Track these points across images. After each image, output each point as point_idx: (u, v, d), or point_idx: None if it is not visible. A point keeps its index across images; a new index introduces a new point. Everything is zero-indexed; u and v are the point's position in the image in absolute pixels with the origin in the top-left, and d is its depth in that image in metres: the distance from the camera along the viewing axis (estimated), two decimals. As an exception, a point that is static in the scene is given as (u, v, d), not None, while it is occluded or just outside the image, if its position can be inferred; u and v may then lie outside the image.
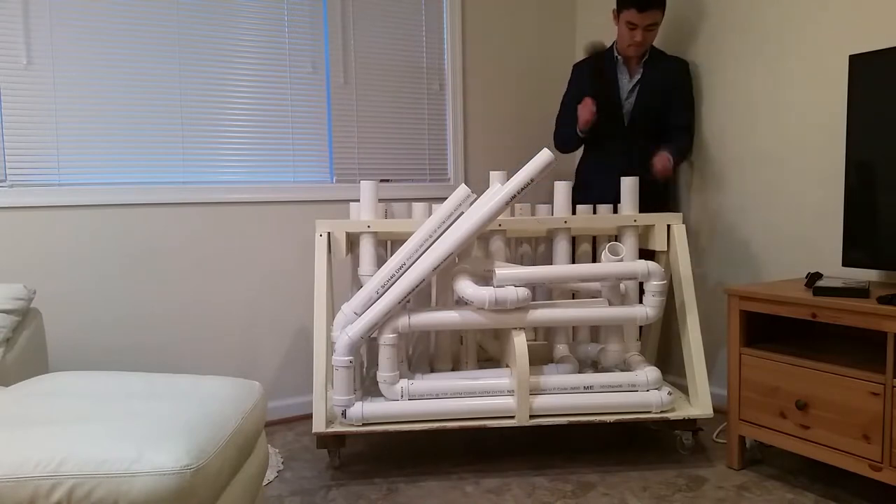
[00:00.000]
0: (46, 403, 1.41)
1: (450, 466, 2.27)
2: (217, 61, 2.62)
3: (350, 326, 2.10)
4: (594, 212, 2.46)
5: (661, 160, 2.57)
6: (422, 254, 2.12)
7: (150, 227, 2.54)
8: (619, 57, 2.76)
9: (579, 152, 2.99)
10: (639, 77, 2.74)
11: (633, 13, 2.59)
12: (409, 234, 2.28)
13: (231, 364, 2.71)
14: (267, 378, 2.79)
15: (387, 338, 2.11)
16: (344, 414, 2.11)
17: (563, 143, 2.88)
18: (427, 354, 2.41)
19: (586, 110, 2.62)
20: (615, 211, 2.47)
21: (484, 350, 2.49)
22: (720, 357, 2.80)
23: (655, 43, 2.84)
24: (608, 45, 2.84)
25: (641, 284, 2.22)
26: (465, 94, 3.14)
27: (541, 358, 2.47)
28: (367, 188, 2.29)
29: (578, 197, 2.81)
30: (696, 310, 2.31)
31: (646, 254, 2.45)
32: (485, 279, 2.21)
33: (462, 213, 2.15)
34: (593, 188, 2.81)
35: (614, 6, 2.68)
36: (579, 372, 2.31)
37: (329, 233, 2.29)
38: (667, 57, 2.77)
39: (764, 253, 2.59)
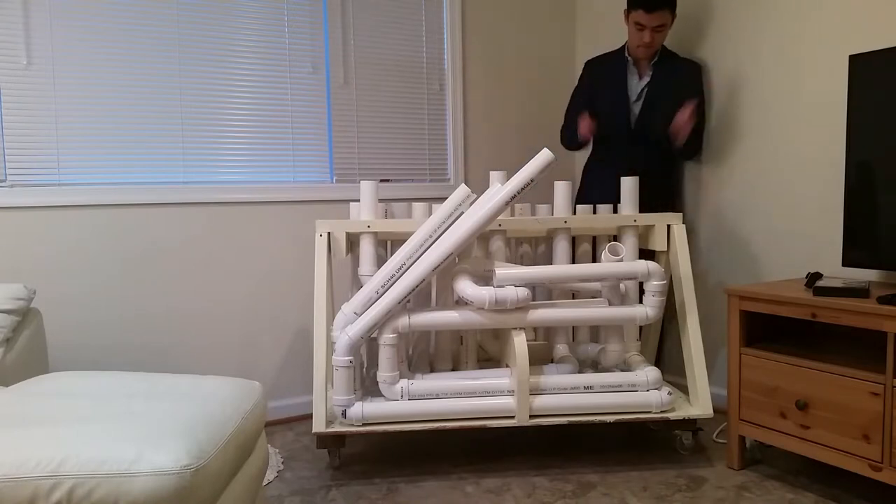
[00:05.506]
0: (46, 403, 1.40)
1: (450, 466, 2.27)
2: (217, 61, 2.62)
3: (350, 326, 2.10)
4: (594, 212, 2.46)
5: (682, 117, 2.51)
6: (422, 254, 2.12)
7: (150, 227, 2.54)
8: (629, 58, 2.73)
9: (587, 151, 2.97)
10: (648, 79, 2.70)
11: (641, 14, 2.56)
12: (409, 234, 2.28)
13: (231, 364, 2.71)
14: (267, 378, 2.78)
15: (387, 338, 2.11)
16: (344, 414, 2.11)
17: (568, 141, 2.88)
18: (427, 354, 2.41)
19: (585, 128, 2.62)
20: (615, 211, 2.47)
21: (484, 350, 2.49)
22: (720, 357, 2.80)
23: (668, 43, 2.82)
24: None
25: (641, 284, 2.22)
26: (465, 94, 3.14)
27: (541, 358, 2.47)
28: (367, 188, 2.29)
29: (581, 197, 2.85)
30: (696, 310, 2.31)
31: (646, 254, 2.45)
32: (485, 279, 2.21)
33: (462, 213, 2.15)
34: (594, 188, 2.82)
35: (625, 6, 2.65)
36: (579, 372, 2.31)
37: (329, 233, 2.29)
38: (678, 58, 2.73)
39: (764, 253, 2.59)
